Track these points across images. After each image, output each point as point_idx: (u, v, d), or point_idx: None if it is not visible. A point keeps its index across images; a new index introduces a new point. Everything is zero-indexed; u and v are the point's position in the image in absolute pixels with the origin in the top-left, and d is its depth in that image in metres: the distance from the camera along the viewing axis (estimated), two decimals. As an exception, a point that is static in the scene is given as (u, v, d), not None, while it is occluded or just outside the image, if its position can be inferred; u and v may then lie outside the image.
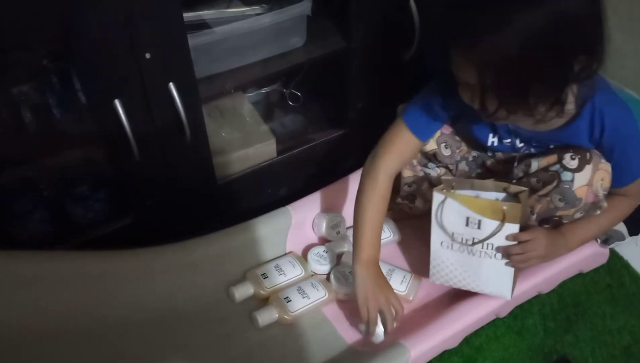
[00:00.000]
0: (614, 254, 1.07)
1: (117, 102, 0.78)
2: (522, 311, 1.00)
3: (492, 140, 0.90)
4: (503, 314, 0.97)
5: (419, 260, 1.02)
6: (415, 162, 0.98)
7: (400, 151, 0.90)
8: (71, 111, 0.85)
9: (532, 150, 0.88)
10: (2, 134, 0.84)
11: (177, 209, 0.98)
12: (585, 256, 0.99)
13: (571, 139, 0.82)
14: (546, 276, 0.96)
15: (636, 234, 1.07)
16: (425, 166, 0.99)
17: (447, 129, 0.95)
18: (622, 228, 1.05)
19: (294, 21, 0.92)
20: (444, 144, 0.95)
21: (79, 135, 0.86)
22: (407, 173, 0.99)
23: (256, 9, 0.92)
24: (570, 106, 0.78)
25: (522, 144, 0.88)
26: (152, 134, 0.85)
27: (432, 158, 0.97)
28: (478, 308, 0.91)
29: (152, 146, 0.87)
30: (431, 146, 0.95)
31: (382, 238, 1.03)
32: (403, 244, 1.06)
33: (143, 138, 0.83)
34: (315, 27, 0.97)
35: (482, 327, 0.95)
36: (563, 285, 1.02)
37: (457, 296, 0.96)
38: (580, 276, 1.04)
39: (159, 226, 0.96)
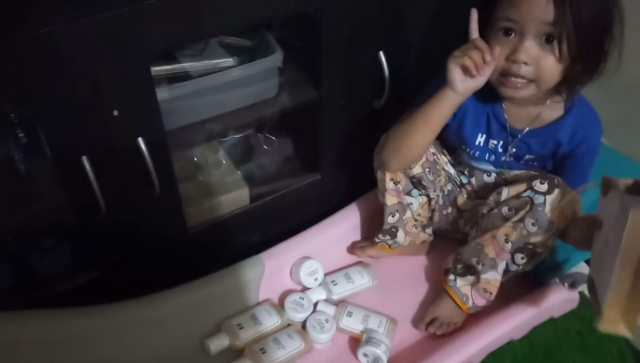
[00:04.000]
0: (583, 299, 1.08)
1: (84, 159, 0.77)
2: (495, 359, 1.00)
3: (479, 140, 0.94)
4: (476, 362, 0.97)
5: (395, 303, 1.03)
6: (400, 188, 0.99)
7: None
8: (37, 166, 0.83)
9: (506, 165, 0.94)
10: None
11: (146, 261, 0.96)
12: (556, 302, 1.00)
13: (554, 136, 0.89)
14: (518, 322, 0.97)
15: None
16: (409, 193, 0.99)
17: (430, 156, 0.98)
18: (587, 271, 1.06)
19: (265, 73, 0.93)
20: (428, 169, 0.98)
21: (45, 190, 0.84)
22: (392, 200, 0.99)
23: (228, 61, 0.92)
24: (560, 106, 0.89)
25: (501, 150, 0.93)
26: (120, 189, 0.84)
27: (417, 184, 0.99)
28: (450, 358, 0.91)
29: (120, 200, 0.85)
30: (417, 170, 0.97)
31: (360, 284, 1.04)
32: (379, 287, 1.05)
33: (111, 193, 0.82)
34: (287, 78, 0.98)
35: (456, 377, 0.95)
36: (535, 331, 1.03)
37: (431, 342, 0.96)
38: (551, 322, 1.05)
39: (127, 279, 0.94)
